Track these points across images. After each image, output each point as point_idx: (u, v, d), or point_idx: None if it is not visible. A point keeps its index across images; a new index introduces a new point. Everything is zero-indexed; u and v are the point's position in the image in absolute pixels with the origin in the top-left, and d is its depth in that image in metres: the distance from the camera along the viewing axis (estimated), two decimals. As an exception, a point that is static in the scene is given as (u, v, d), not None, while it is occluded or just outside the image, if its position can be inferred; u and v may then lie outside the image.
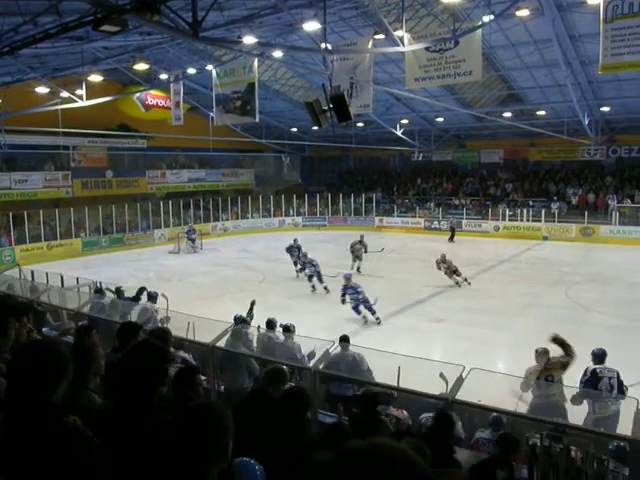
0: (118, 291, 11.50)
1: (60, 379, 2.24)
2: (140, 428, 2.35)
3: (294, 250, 20.15)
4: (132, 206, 29.17)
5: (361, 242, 20.56)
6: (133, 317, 8.91)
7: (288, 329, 8.59)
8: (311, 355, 7.22)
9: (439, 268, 17.63)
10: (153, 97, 27.02)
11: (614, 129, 29.53)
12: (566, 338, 12.20)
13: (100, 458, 2.07)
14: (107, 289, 11.57)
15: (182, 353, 7.07)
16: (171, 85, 22.13)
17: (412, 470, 1.20)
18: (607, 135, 29.37)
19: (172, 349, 5.76)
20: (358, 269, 19.79)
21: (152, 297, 10.98)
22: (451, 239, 28.33)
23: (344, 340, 7.77)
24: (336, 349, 7.11)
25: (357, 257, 20.28)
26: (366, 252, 20.50)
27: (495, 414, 5.30)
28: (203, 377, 6.55)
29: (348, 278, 14.37)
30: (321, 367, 6.12)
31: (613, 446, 4.61)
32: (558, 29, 17.78)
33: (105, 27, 8.44)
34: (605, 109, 26.06)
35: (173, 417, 2.11)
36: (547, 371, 6.93)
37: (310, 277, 17.50)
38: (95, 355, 3.48)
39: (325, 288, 17.15)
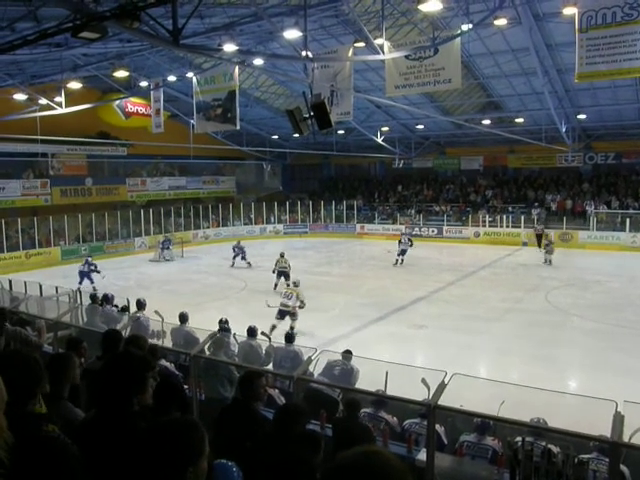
0: (105, 299, 11.28)
1: (36, 388, 2.22)
2: (119, 437, 2.33)
3: (237, 249, 23.90)
4: (112, 214, 28.92)
5: None
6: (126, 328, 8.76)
7: (290, 338, 8.71)
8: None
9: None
10: (133, 104, 26.86)
11: (590, 136, 30.01)
12: (546, 342, 12.41)
13: (80, 466, 2.05)
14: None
15: (163, 362, 7.01)
16: (151, 92, 22.03)
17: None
18: (584, 142, 29.84)
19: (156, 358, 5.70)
20: None
21: (142, 305, 10.86)
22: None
23: (347, 352, 7.90)
24: (319, 355, 7.10)
25: None
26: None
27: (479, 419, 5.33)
28: (185, 386, 6.53)
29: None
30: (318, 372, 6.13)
31: (594, 444, 4.68)
32: (535, 38, 18.07)
33: (84, 34, 8.38)
34: (582, 117, 26.49)
35: (145, 429, 2.06)
36: None
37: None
38: (72, 365, 3.45)
39: (249, 263, 23.19)
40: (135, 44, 17.70)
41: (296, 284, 14.07)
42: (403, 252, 23.30)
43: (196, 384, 6.35)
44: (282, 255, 19.09)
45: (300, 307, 13.26)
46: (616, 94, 23.29)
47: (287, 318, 13.17)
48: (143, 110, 26.58)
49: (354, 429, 5.13)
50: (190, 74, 19.73)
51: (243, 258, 23.69)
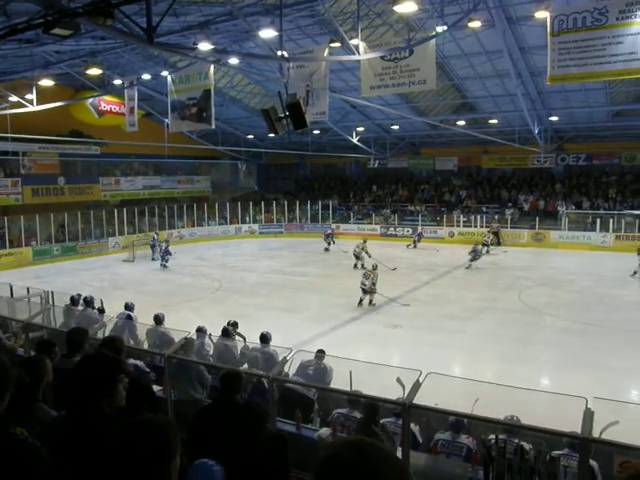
0: (86, 302, 11.15)
1: (4, 392, 2.19)
2: (90, 440, 2.31)
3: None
4: (85, 214, 28.51)
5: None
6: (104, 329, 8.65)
7: (265, 338, 8.69)
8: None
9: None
10: (107, 103, 26.54)
11: (562, 138, 30.52)
12: (520, 340, 12.57)
13: (48, 470, 2.02)
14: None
15: (133, 361, 6.95)
16: (125, 91, 21.73)
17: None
18: (556, 144, 30.33)
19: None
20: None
21: (129, 307, 10.81)
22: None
23: (320, 352, 8.05)
24: (294, 355, 7.11)
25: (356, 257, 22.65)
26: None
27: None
28: (159, 387, 6.48)
29: None
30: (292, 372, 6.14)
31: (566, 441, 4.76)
32: (508, 41, 18.30)
33: (56, 30, 8.25)
34: (554, 118, 26.88)
35: (119, 430, 2.05)
36: None
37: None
38: (45, 367, 3.42)
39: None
40: (109, 42, 17.52)
41: (374, 267, 16.79)
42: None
43: (171, 385, 6.31)
44: (365, 241, 23.19)
45: (372, 288, 16.04)
46: (587, 97, 23.72)
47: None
48: (117, 109, 26.24)
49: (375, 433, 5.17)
50: (165, 73, 19.53)
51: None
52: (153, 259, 25.30)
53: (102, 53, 19.08)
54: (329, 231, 30.43)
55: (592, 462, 4.37)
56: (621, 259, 24.09)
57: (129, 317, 10.36)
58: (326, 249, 28.32)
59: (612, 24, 11.50)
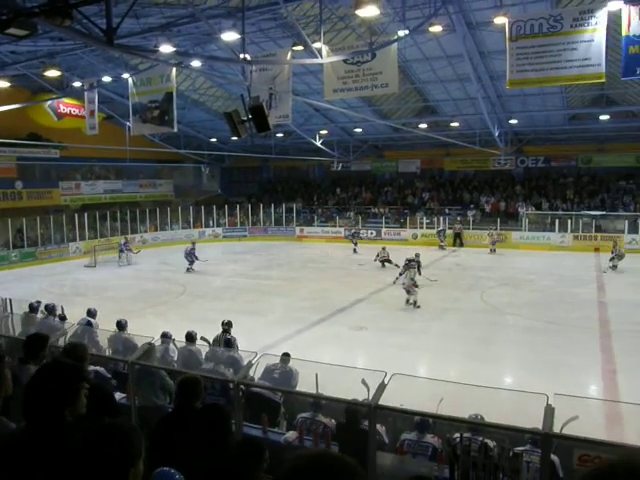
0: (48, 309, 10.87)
1: None
2: (52, 449, 2.25)
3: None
4: (45, 218, 27.85)
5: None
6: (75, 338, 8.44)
7: (229, 343, 8.62)
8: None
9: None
10: (66, 105, 25.97)
11: (522, 140, 31.16)
12: (483, 340, 12.77)
13: None
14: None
15: (93, 367, 6.82)
16: (85, 93, 21.33)
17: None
18: (516, 146, 30.96)
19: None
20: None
21: (91, 314, 10.59)
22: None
23: (285, 355, 8.05)
24: (259, 359, 7.08)
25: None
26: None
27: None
28: (122, 394, 6.38)
29: None
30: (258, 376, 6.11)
31: (528, 437, 4.86)
32: (469, 45, 18.61)
33: (12, 30, 8.02)
34: (513, 121, 27.45)
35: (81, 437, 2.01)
36: None
37: None
38: (3, 378, 3.32)
39: None
40: (67, 43, 17.18)
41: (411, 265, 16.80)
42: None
43: (134, 391, 6.21)
44: (383, 248, 23.71)
45: (409, 286, 15.99)
46: (545, 101, 24.31)
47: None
48: (77, 111, 25.72)
49: (358, 437, 5.17)
50: (126, 75, 19.27)
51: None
52: (120, 265, 24.92)
53: (61, 54, 18.68)
54: (353, 230, 30.02)
55: (553, 457, 4.47)
56: (579, 259, 24.78)
57: (89, 324, 10.17)
58: (354, 251, 27.89)
59: (567, 31, 11.85)
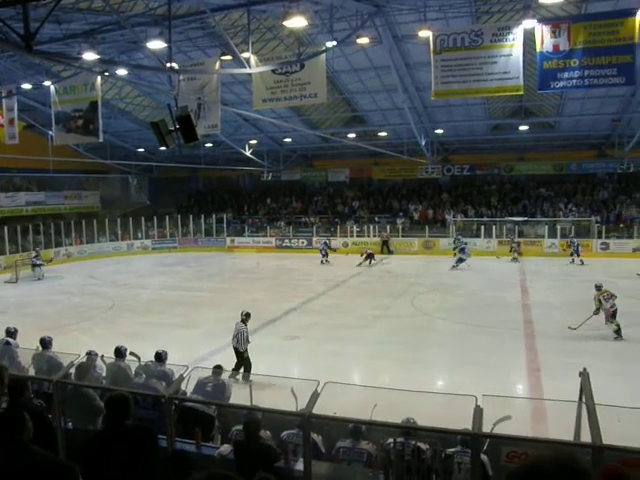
0: None
1: None
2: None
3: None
4: (-40, 233, 26.40)
5: None
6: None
7: (160, 357, 8.38)
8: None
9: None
10: (-19, 113, 24.76)
11: (448, 150, 32.16)
12: (414, 345, 13.02)
13: None
14: None
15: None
16: (3, 101, 20.40)
17: None
18: (442, 155, 31.91)
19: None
20: None
21: (10, 333, 10.02)
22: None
23: (217, 367, 7.86)
24: (190, 373, 6.94)
25: None
26: None
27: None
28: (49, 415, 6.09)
29: None
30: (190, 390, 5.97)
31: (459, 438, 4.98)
32: (395, 57, 19.08)
33: None
34: (439, 131, 28.30)
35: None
36: None
37: None
38: None
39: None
40: (-18, 49, 16.41)
41: (598, 288, 13.58)
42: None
43: (60, 412, 5.95)
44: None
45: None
46: (469, 111, 25.20)
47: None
48: (-6, 120, 24.56)
49: (257, 450, 5.05)
50: (47, 82, 18.59)
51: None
52: (38, 279, 23.87)
53: (-25, 60, 17.86)
54: (324, 241, 29.00)
55: (483, 456, 4.60)
56: (504, 263, 25.76)
57: (8, 343, 9.66)
58: (322, 262, 27.17)
59: (487, 45, 12.40)
